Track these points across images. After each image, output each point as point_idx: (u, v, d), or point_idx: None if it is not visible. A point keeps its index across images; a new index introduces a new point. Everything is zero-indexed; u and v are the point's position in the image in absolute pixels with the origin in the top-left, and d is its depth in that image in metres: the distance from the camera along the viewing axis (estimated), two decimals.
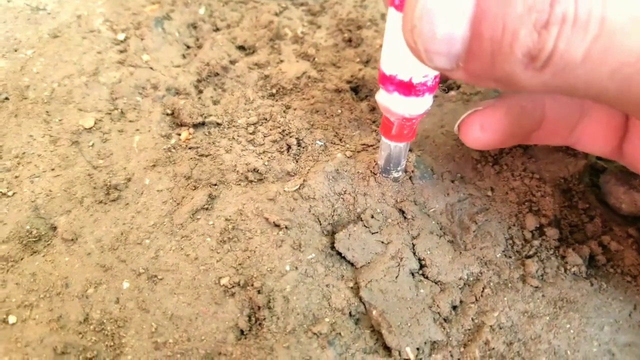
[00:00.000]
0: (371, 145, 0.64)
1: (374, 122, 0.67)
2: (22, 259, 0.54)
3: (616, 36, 0.31)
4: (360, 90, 0.71)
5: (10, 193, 0.58)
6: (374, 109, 0.69)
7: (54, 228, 0.56)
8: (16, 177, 0.59)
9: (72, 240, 0.55)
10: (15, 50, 0.73)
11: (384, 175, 0.60)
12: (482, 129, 0.54)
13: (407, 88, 0.48)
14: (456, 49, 0.35)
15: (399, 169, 0.59)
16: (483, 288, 0.55)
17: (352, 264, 0.55)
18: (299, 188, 0.58)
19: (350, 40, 0.77)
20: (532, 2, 0.31)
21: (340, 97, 0.69)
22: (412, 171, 0.61)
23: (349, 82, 0.71)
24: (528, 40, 0.32)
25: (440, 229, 0.59)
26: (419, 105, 0.50)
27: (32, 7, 0.81)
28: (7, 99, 0.67)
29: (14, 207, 0.57)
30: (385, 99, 0.50)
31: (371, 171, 0.60)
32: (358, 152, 0.63)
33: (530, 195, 0.61)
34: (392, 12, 0.45)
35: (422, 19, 0.34)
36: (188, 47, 0.76)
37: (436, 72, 0.47)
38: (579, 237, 0.59)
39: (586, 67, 0.33)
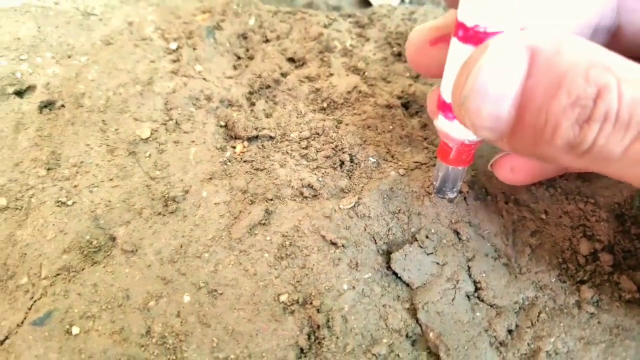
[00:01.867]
0: (424, 164, 0.64)
1: (425, 139, 0.67)
2: (83, 269, 0.55)
3: None
4: (410, 106, 0.71)
5: (70, 202, 0.59)
6: (425, 125, 0.69)
7: (114, 239, 0.57)
8: (75, 186, 0.60)
9: (132, 251, 0.56)
10: (69, 57, 0.74)
11: (438, 195, 0.60)
12: (512, 171, 0.57)
13: None
14: (500, 127, 0.37)
15: (454, 190, 0.59)
16: (539, 313, 0.55)
17: (407, 285, 0.55)
18: (354, 206, 0.59)
19: (399, 55, 0.77)
20: (576, 97, 0.32)
21: (391, 112, 0.69)
22: (467, 192, 0.61)
23: (399, 97, 0.71)
24: (570, 132, 0.33)
25: (495, 252, 0.59)
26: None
27: (82, 12, 0.82)
28: (63, 106, 0.68)
29: (74, 216, 0.58)
30: (445, 125, 0.51)
31: (425, 190, 0.60)
32: (411, 170, 0.63)
33: (585, 220, 0.61)
34: (454, 43, 0.45)
35: (470, 97, 0.36)
36: (239, 57, 0.77)
37: None
38: (632, 263, 0.59)
39: (623, 163, 0.34)
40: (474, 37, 0.42)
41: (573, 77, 0.32)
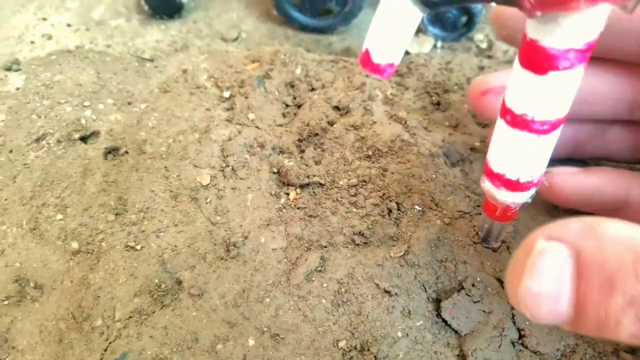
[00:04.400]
0: (467, 212, 0.68)
1: (467, 187, 0.71)
2: (153, 312, 0.59)
3: None
4: (451, 155, 0.75)
5: (138, 247, 0.63)
6: (466, 174, 0.73)
7: (180, 282, 0.61)
8: (142, 231, 0.64)
9: (198, 295, 0.60)
10: (129, 104, 0.79)
11: (483, 244, 0.64)
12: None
13: (514, 186, 0.52)
14: (562, 319, 0.39)
15: (498, 240, 0.63)
16: None
17: (456, 332, 0.59)
18: (404, 254, 0.63)
19: (438, 104, 0.81)
20: (630, 297, 0.34)
21: (433, 161, 0.73)
22: (510, 242, 0.65)
23: (440, 146, 0.75)
24: (632, 327, 0.35)
25: None
26: (524, 196, 0.54)
27: (138, 59, 0.88)
28: (126, 152, 0.73)
29: (143, 261, 0.62)
30: (491, 189, 0.55)
31: (470, 240, 0.64)
32: (455, 219, 0.67)
33: None
34: (501, 124, 0.50)
35: (526, 298, 0.39)
36: (287, 105, 0.81)
37: (542, 173, 0.52)
38: None
39: None
40: (522, 123, 0.47)
41: (623, 277, 0.34)
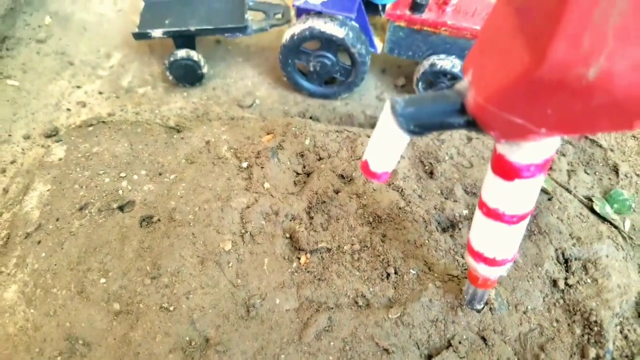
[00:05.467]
0: (456, 276, 0.78)
1: (456, 252, 0.81)
2: None
3: None
4: (442, 221, 0.85)
5: (171, 308, 0.73)
6: (455, 239, 0.83)
7: (207, 340, 0.71)
8: (174, 293, 0.75)
9: (223, 352, 0.70)
10: (160, 174, 0.90)
11: (468, 306, 0.74)
12: None
13: (491, 262, 0.63)
14: None
15: (481, 302, 0.73)
16: None
17: None
18: (400, 315, 0.72)
19: (431, 173, 0.92)
20: None
21: (426, 228, 0.83)
22: (492, 303, 0.74)
23: (432, 214, 0.86)
24: None
25: (515, 355, 0.72)
26: (501, 270, 0.64)
27: (166, 129, 0.99)
28: (159, 220, 0.83)
29: (176, 321, 0.72)
30: (472, 263, 0.65)
31: (458, 302, 0.74)
32: (446, 282, 0.77)
33: (588, 329, 0.74)
34: (479, 214, 0.60)
35: None
36: (297, 173, 0.92)
37: (515, 252, 0.62)
38: None
39: None
40: (495, 215, 0.58)
41: None
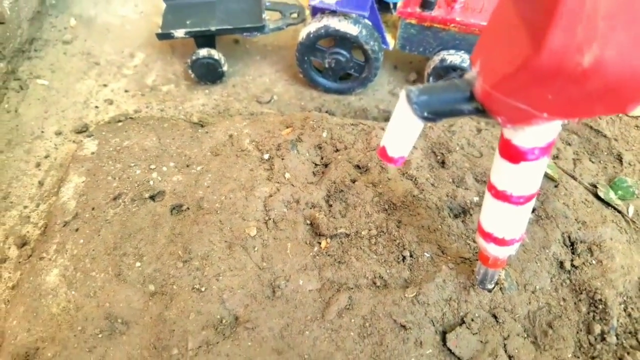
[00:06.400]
0: (467, 259, 0.83)
1: (467, 237, 0.86)
2: (217, 343, 0.74)
3: None
4: (454, 208, 0.90)
5: (202, 289, 0.79)
6: (466, 224, 0.88)
7: (237, 318, 0.77)
8: (205, 275, 0.80)
9: (252, 328, 0.75)
10: (187, 166, 0.96)
11: (480, 286, 0.79)
12: None
13: (500, 242, 0.68)
14: None
15: (492, 282, 0.78)
16: None
17: (459, 359, 0.73)
18: (416, 295, 0.77)
19: (443, 162, 0.97)
20: None
21: (439, 214, 0.88)
22: (502, 283, 0.79)
23: (444, 200, 0.90)
24: None
25: (524, 332, 0.77)
26: (510, 250, 0.69)
27: (191, 124, 1.05)
28: (188, 208, 0.89)
29: (207, 300, 0.78)
30: (483, 244, 0.70)
31: (470, 282, 0.79)
32: (458, 264, 0.82)
33: (594, 307, 0.78)
34: (488, 196, 0.65)
35: None
36: (316, 164, 0.97)
37: (522, 232, 0.67)
38: (634, 344, 0.76)
39: None
40: (503, 197, 0.63)
41: None
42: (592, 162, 1.00)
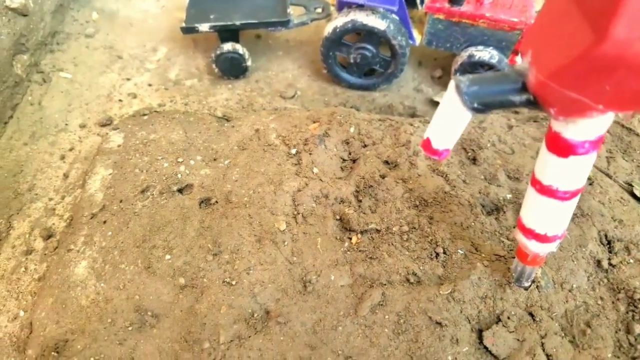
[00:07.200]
0: (502, 256, 0.81)
1: (501, 234, 0.85)
2: (249, 337, 0.73)
3: None
4: (487, 205, 0.89)
5: (233, 282, 0.78)
6: (500, 222, 0.86)
7: (268, 312, 0.76)
8: (235, 269, 0.79)
9: (284, 323, 0.74)
10: (214, 160, 0.95)
11: (516, 284, 0.77)
12: None
13: (542, 238, 0.66)
14: None
15: (529, 280, 0.76)
16: None
17: (496, 357, 0.72)
18: (451, 292, 0.76)
19: (474, 159, 0.95)
20: None
21: (472, 211, 0.87)
22: (539, 281, 0.77)
23: (477, 197, 0.89)
24: None
25: (562, 330, 0.75)
26: (551, 247, 0.67)
27: (217, 119, 1.04)
28: (216, 202, 0.88)
29: (238, 294, 0.76)
30: (523, 240, 0.68)
31: (506, 280, 0.77)
32: (492, 261, 0.80)
33: (633, 307, 0.77)
34: (531, 191, 0.63)
35: None
36: (344, 160, 0.96)
37: (565, 229, 0.65)
38: None
39: None
40: (549, 192, 0.61)
41: None
42: (626, 160, 0.98)
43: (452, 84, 0.57)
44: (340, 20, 1.09)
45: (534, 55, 0.53)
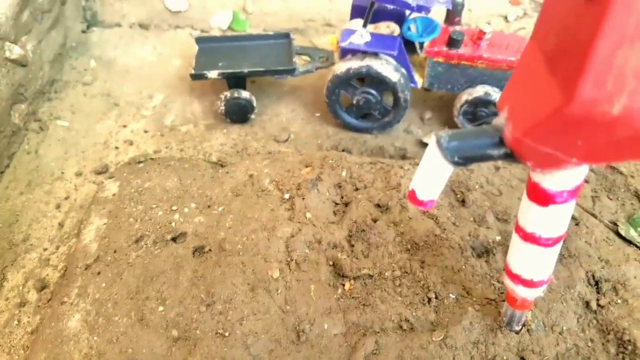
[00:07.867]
0: (493, 299, 0.82)
1: (491, 277, 0.86)
2: None
3: None
4: (477, 247, 0.90)
5: (226, 334, 0.78)
6: (490, 264, 0.87)
7: None
8: (228, 320, 0.79)
9: None
10: (209, 207, 0.96)
11: (507, 328, 0.78)
12: None
13: (529, 284, 0.67)
14: None
15: (519, 324, 0.77)
16: None
17: None
18: (444, 338, 0.76)
19: (463, 201, 0.97)
20: None
21: (462, 254, 0.88)
22: (530, 325, 0.78)
23: (467, 240, 0.90)
24: None
25: None
26: (538, 292, 0.68)
27: (212, 164, 1.06)
28: (210, 250, 0.89)
29: (231, 346, 0.77)
30: (511, 285, 0.70)
31: (497, 324, 0.78)
32: (484, 305, 0.81)
33: (623, 348, 0.77)
34: (515, 238, 0.65)
35: None
36: (336, 204, 0.98)
37: (550, 274, 0.67)
38: None
39: None
40: (532, 239, 0.63)
41: None
42: (610, 199, 1.00)
43: (433, 139, 0.59)
44: (355, 63, 1.12)
45: (509, 111, 0.56)
